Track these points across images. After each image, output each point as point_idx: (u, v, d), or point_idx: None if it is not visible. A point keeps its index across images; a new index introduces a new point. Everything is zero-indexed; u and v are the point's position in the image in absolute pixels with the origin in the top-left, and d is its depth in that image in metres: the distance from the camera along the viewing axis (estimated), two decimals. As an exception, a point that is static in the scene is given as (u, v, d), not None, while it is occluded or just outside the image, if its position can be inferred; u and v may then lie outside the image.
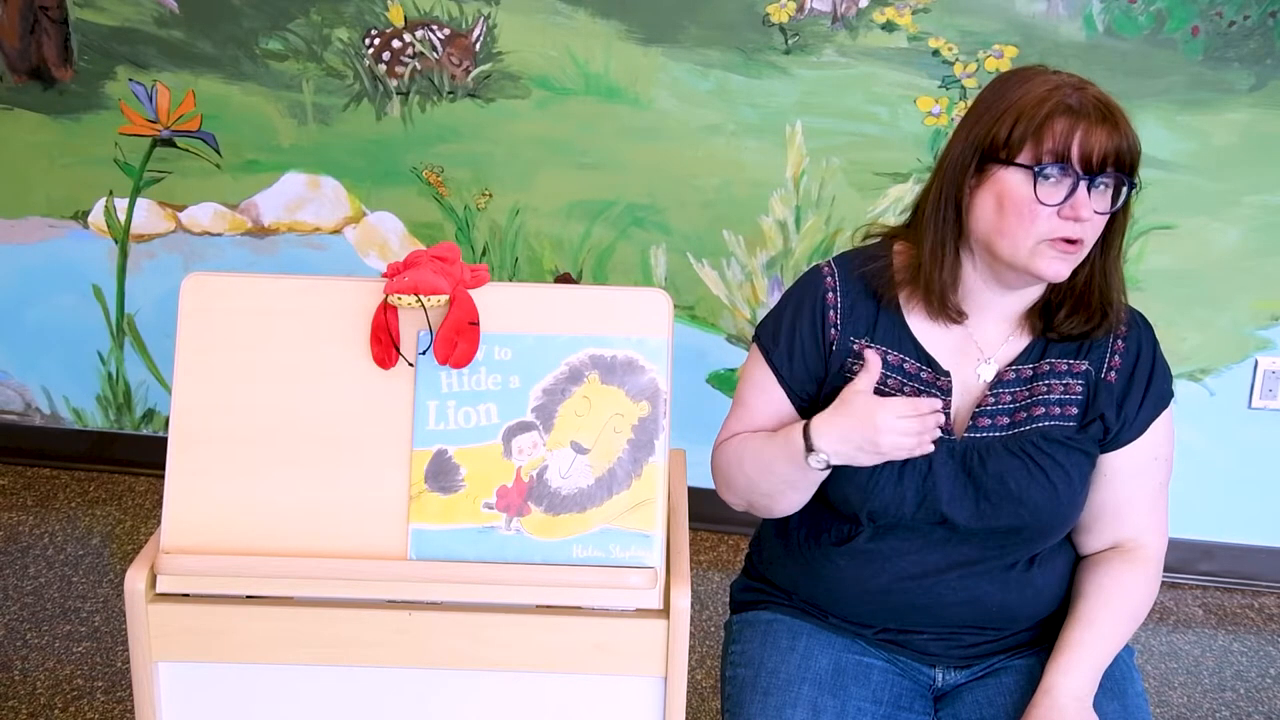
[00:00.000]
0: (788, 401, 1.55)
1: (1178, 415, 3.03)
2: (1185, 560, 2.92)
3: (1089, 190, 1.39)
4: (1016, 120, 1.41)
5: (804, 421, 1.47)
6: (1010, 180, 1.41)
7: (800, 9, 2.72)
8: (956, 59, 2.70)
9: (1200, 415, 2.86)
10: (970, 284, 1.51)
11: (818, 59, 2.75)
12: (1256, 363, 2.82)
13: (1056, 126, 1.39)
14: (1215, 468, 2.89)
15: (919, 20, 2.69)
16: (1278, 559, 2.94)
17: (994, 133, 1.42)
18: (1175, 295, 2.79)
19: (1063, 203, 1.39)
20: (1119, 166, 1.40)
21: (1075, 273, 1.46)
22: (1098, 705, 1.48)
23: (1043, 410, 1.50)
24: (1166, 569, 2.93)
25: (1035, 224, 1.40)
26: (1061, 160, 1.39)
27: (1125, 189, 1.43)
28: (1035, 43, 2.63)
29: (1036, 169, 1.39)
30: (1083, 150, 1.39)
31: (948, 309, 1.50)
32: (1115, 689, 1.53)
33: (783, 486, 1.51)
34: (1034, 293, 1.52)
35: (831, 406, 1.46)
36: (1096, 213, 1.41)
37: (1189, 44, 2.63)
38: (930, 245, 1.49)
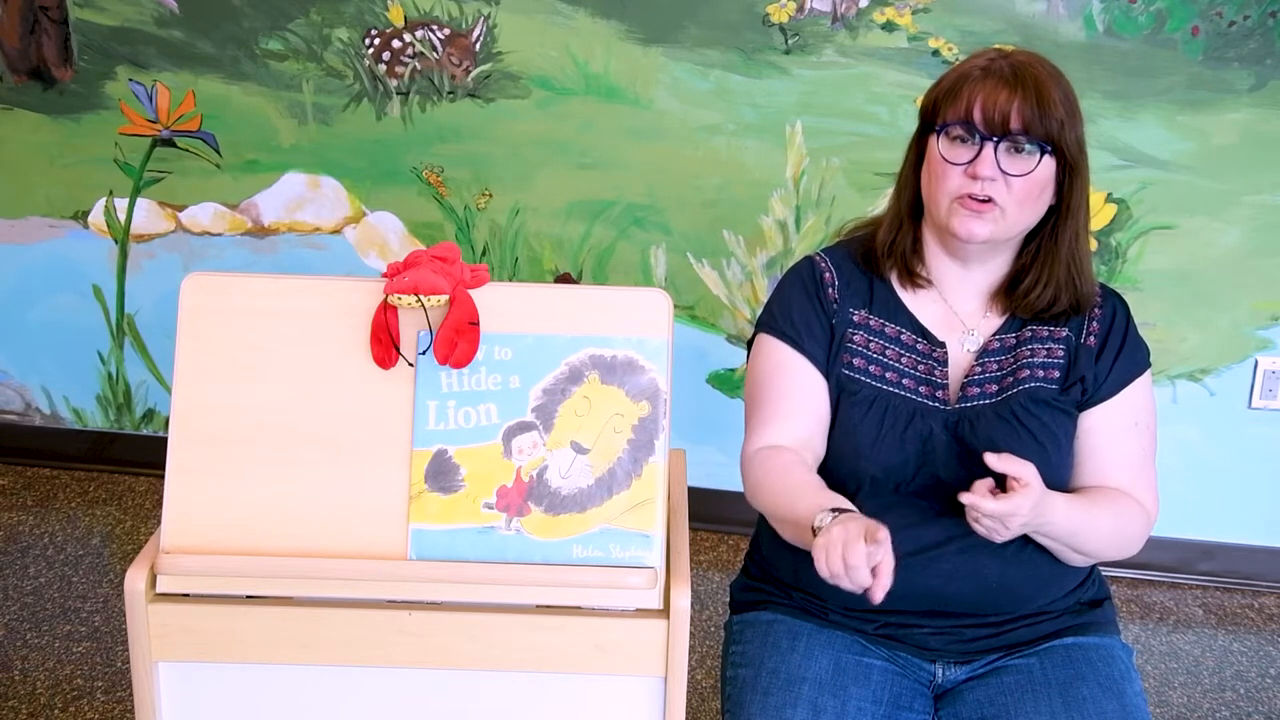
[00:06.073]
0: (809, 365, 1.55)
1: (1178, 415, 3.02)
2: (1185, 560, 2.92)
3: (995, 150, 1.46)
4: (938, 88, 1.52)
5: (830, 510, 1.37)
6: (931, 144, 1.51)
7: (800, 9, 2.72)
8: (957, 59, 2.70)
9: (1200, 415, 2.86)
10: (933, 260, 1.59)
11: (818, 59, 2.74)
12: (1256, 363, 2.82)
13: (964, 89, 1.47)
14: (1215, 468, 2.89)
15: (919, 20, 2.69)
16: (1278, 559, 2.93)
17: (925, 105, 1.53)
18: (1175, 295, 2.79)
19: (969, 162, 1.47)
20: (1028, 130, 1.45)
21: (1032, 244, 1.54)
22: (1098, 704, 1.48)
23: (1027, 373, 1.54)
24: (1167, 569, 2.92)
25: (946, 182, 1.48)
26: (966, 120, 1.46)
27: (1043, 155, 1.47)
28: (1035, 42, 2.63)
29: (939, 127, 1.48)
30: (984, 110, 1.46)
31: (912, 274, 1.57)
32: (1114, 689, 1.52)
33: (791, 529, 1.47)
34: (996, 269, 1.58)
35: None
36: (1009, 174, 1.46)
37: (1189, 44, 2.63)
38: (890, 216, 1.59)
